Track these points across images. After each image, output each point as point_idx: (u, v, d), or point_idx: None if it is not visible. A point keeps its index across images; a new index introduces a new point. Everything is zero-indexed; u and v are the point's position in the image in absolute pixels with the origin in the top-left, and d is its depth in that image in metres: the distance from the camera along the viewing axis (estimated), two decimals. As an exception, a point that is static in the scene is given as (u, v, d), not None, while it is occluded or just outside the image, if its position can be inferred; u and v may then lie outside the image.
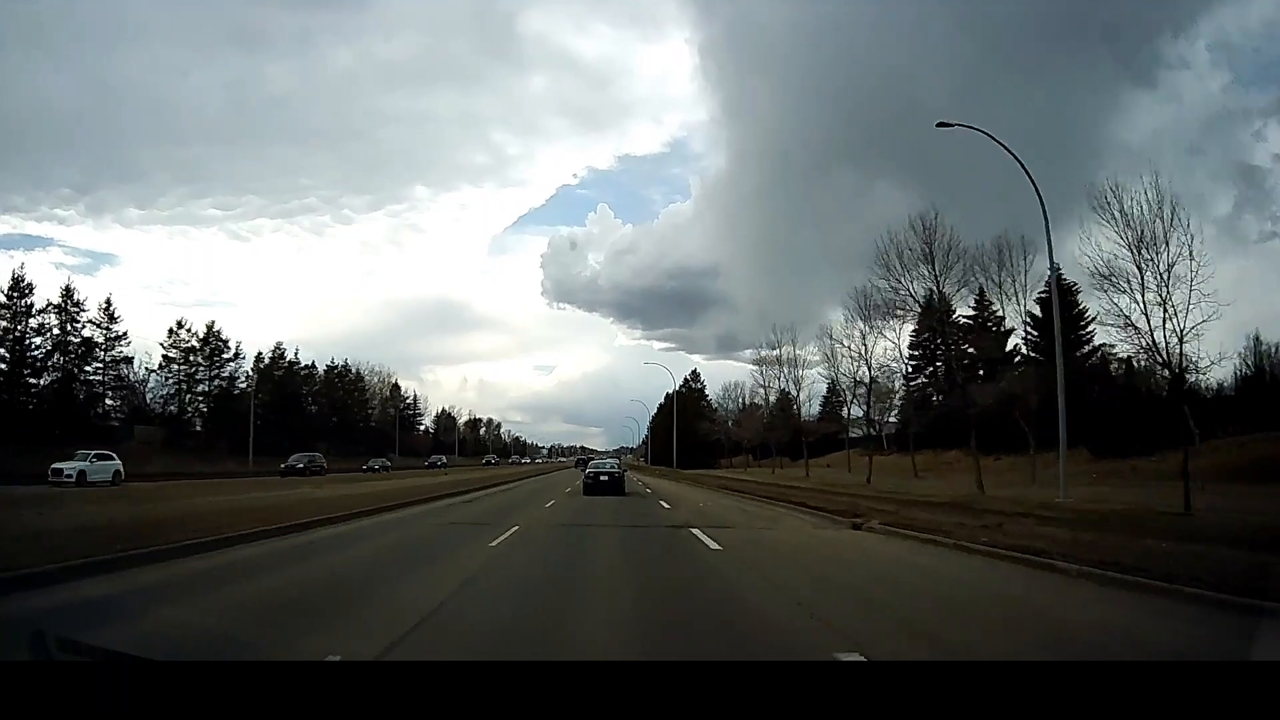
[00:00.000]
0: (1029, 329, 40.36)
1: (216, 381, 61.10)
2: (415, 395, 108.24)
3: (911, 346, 52.61)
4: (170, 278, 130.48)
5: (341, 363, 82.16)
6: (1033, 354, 40.44)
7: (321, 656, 4.01)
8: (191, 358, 60.29)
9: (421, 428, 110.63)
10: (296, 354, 73.01)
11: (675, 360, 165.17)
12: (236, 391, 60.37)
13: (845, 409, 50.19)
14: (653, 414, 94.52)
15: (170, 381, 58.83)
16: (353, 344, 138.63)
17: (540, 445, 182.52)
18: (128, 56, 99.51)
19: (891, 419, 48.11)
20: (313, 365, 76.21)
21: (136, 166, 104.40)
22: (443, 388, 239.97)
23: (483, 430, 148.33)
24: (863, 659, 4.22)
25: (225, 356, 62.07)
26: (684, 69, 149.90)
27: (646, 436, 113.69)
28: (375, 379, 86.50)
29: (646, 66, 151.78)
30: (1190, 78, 69.63)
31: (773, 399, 61.64)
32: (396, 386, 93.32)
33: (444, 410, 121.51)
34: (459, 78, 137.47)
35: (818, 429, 61.12)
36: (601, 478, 23.92)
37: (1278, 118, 66.42)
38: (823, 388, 58.17)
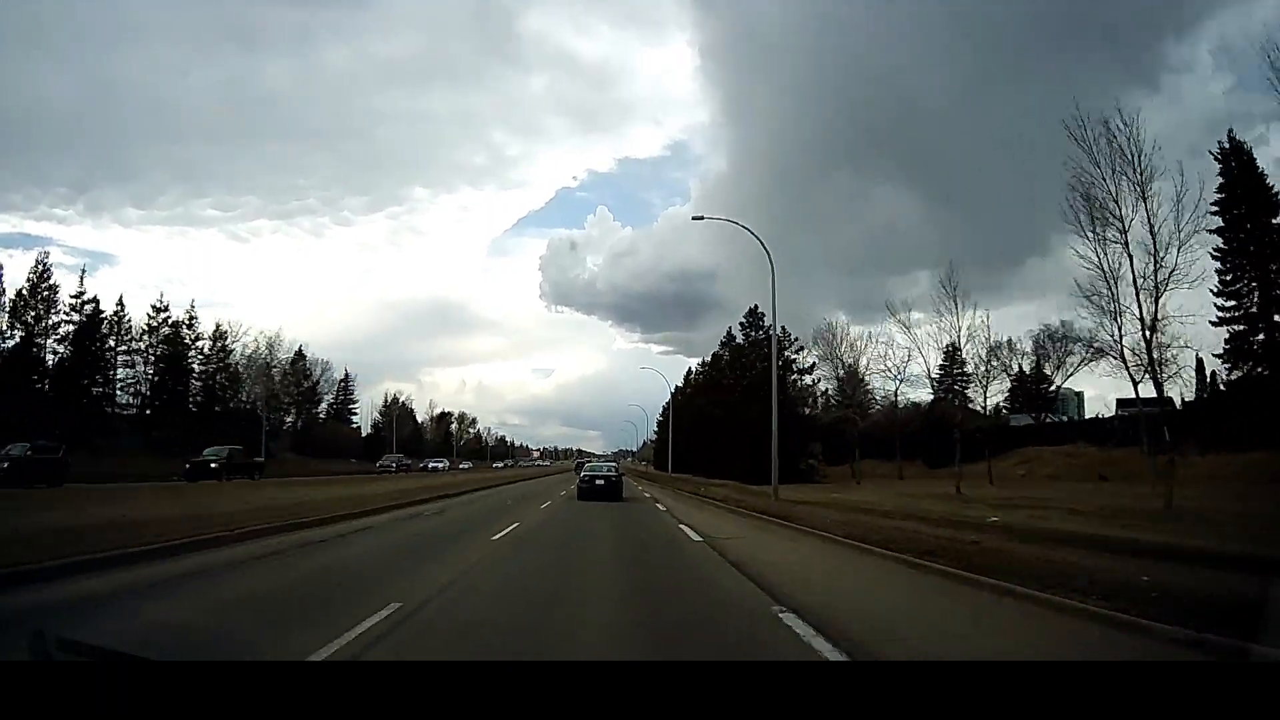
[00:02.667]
0: None
1: None
2: (348, 375, 79.37)
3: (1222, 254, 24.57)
4: (169, 277, 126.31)
5: (183, 310, 54.35)
6: None
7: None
8: None
9: (355, 419, 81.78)
10: (82, 277, 45.55)
11: (674, 363, 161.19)
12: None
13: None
14: (668, 399, 65.65)
15: None
16: (352, 345, 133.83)
17: (531, 447, 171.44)
18: (126, 56, 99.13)
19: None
20: (121, 306, 48.07)
21: (135, 166, 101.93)
22: (441, 389, 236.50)
23: (453, 426, 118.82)
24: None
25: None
26: (684, 70, 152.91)
27: (656, 432, 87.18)
28: (260, 338, 57.82)
29: (647, 67, 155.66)
30: (1193, 81, 68.72)
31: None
32: (301, 354, 64.72)
33: (394, 398, 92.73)
34: (458, 77, 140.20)
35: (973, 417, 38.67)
36: (597, 482, 22.61)
37: (1282, 121, 56.52)
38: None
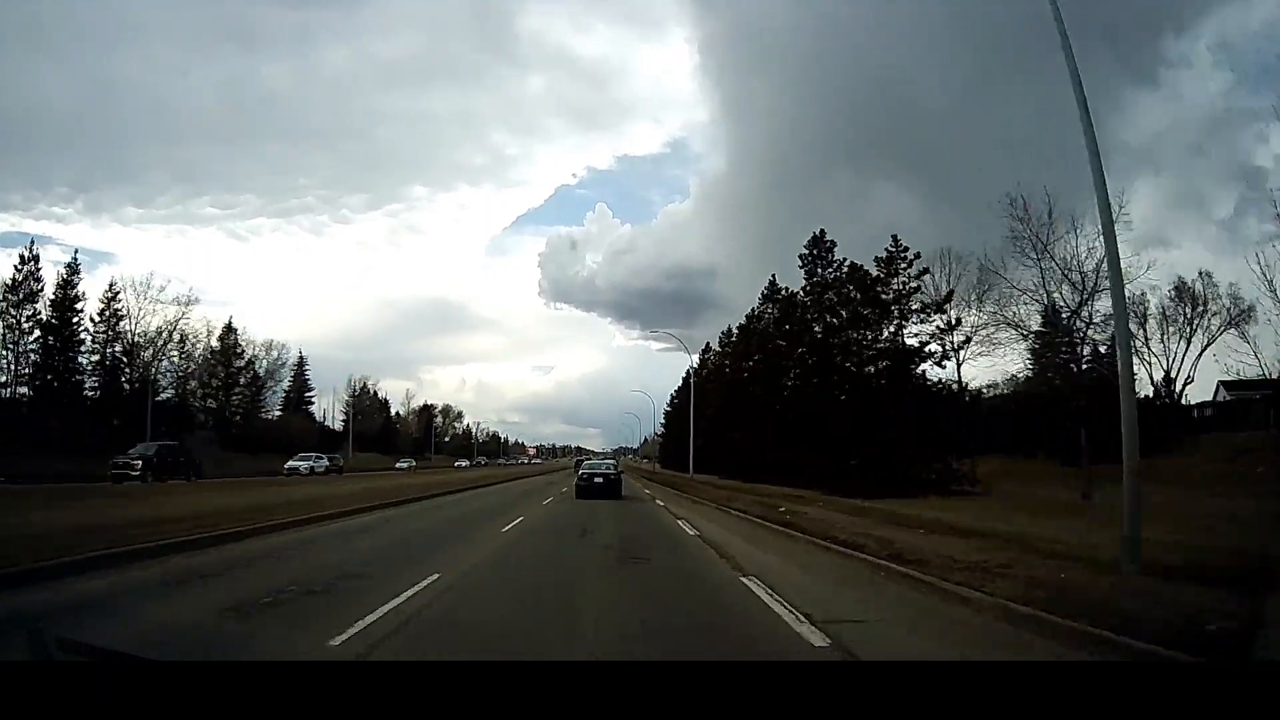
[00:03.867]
0: None
1: None
2: (303, 359, 67.07)
3: None
4: (168, 276, 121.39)
5: (62, 267, 42.75)
6: None
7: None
8: None
9: (313, 409, 69.77)
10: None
11: (673, 361, 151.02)
12: None
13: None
14: (677, 385, 52.99)
15: None
16: (351, 344, 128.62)
17: (528, 445, 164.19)
18: (126, 55, 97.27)
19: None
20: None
21: (134, 165, 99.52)
22: (441, 387, 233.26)
23: (437, 420, 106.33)
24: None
25: None
26: (684, 68, 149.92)
27: (664, 424, 76.58)
28: (175, 306, 45.56)
29: (646, 66, 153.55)
30: (1192, 78, 67.93)
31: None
32: (230, 328, 52.39)
33: (364, 386, 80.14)
34: (457, 77, 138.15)
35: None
36: (596, 480, 21.96)
37: (1285, 117, 48.46)
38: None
